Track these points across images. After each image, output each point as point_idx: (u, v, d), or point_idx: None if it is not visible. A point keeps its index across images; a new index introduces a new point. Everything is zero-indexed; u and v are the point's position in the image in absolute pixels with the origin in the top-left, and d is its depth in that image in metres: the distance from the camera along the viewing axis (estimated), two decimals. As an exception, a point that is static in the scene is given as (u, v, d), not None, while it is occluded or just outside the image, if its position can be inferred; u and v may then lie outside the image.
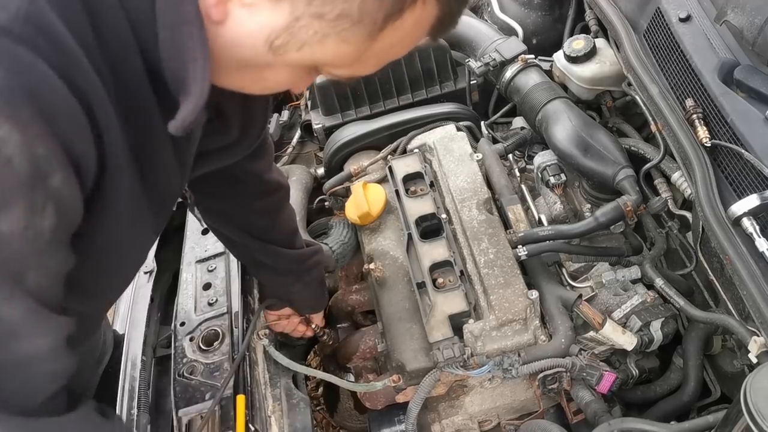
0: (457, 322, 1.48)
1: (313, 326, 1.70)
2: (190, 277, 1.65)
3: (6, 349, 0.73)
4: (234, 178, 1.27)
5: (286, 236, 1.48)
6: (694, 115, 1.43)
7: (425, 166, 1.80)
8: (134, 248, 0.95)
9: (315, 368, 1.80)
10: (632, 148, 1.75)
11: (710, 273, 1.50)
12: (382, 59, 0.80)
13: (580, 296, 1.55)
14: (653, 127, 1.62)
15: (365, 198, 1.80)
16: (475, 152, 1.82)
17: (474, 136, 1.99)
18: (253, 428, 1.40)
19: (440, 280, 1.55)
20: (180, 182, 0.97)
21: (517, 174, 1.89)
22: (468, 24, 2.15)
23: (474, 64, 1.98)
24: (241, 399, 1.41)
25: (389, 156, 1.93)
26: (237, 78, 0.80)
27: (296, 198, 1.97)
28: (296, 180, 2.05)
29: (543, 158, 1.82)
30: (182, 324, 1.57)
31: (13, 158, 0.60)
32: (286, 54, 0.74)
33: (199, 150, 0.99)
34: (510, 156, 1.94)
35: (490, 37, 2.06)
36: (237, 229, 1.42)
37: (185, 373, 1.47)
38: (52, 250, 0.71)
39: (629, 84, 1.72)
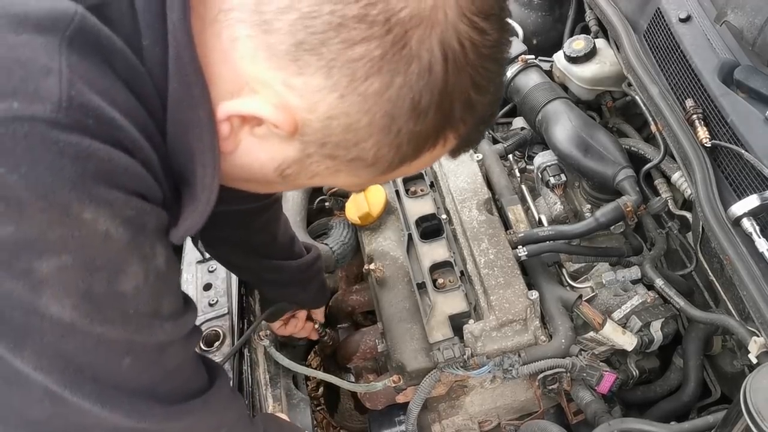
0: (457, 323, 1.48)
1: (316, 326, 1.70)
2: (190, 277, 1.65)
3: (163, 362, 0.75)
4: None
5: (287, 247, 1.48)
6: (694, 116, 1.43)
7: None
8: None
9: (315, 368, 1.80)
10: (632, 148, 1.75)
11: (710, 273, 1.50)
12: (402, 175, 0.81)
13: (580, 296, 1.55)
14: (653, 128, 1.62)
15: (365, 198, 1.80)
16: (475, 152, 1.82)
17: (474, 137, 1.99)
18: (253, 428, 1.40)
19: (440, 281, 1.55)
20: None
21: (518, 174, 1.89)
22: (468, 24, 2.15)
23: (474, 64, 1.98)
24: None
25: (389, 156, 1.93)
26: (245, 185, 0.81)
27: (296, 198, 1.97)
28: (296, 180, 2.04)
29: (543, 158, 1.82)
30: (183, 324, 1.57)
31: (109, 231, 0.61)
32: (297, 180, 0.74)
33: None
34: (510, 156, 1.94)
35: (491, 37, 2.06)
36: (241, 251, 1.41)
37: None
38: (172, 272, 0.73)
39: (629, 84, 1.72)
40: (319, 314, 1.72)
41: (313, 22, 0.59)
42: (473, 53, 0.64)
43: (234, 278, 1.64)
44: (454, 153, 0.78)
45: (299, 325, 1.67)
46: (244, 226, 1.35)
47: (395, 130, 0.66)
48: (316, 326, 1.70)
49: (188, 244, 1.73)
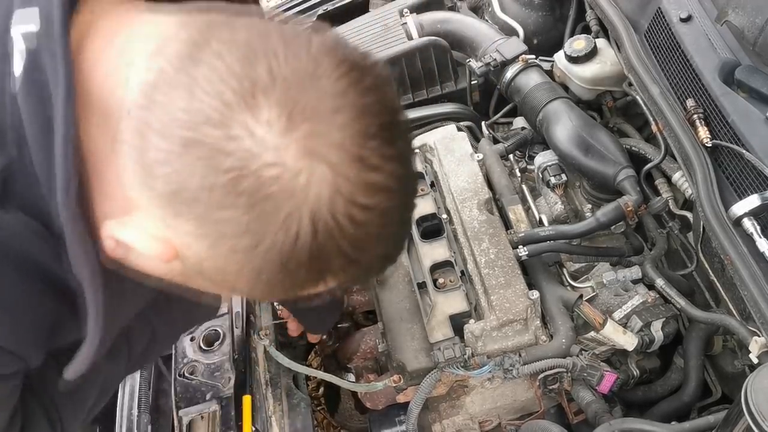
0: (457, 323, 1.48)
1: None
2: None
3: None
4: None
5: None
6: (695, 116, 1.43)
7: (426, 166, 1.80)
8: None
9: (316, 368, 1.80)
10: (633, 148, 1.75)
11: (711, 273, 1.50)
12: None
13: (581, 296, 1.54)
14: (654, 128, 1.62)
15: (366, 198, 1.79)
16: (475, 152, 1.82)
17: (475, 137, 2.00)
18: (253, 428, 1.40)
19: (441, 281, 1.55)
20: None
21: (518, 174, 1.89)
22: (469, 24, 2.15)
23: (475, 64, 1.98)
24: (247, 400, 1.41)
25: (390, 156, 1.93)
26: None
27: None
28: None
29: (544, 158, 1.82)
30: (183, 324, 1.57)
31: None
32: (188, 284, 0.75)
33: None
34: (511, 156, 1.94)
35: (491, 37, 2.06)
36: None
37: (186, 373, 1.47)
38: None
39: (630, 84, 1.72)
40: (313, 337, 1.74)
41: (186, 180, 0.60)
42: (351, 226, 0.64)
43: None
44: (352, 285, 0.80)
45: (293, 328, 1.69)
46: None
47: (265, 279, 0.66)
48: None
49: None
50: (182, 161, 0.60)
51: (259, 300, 0.80)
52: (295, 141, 0.60)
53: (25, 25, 0.64)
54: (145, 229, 0.66)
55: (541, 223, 1.74)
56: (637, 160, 1.71)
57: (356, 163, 0.62)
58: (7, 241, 0.70)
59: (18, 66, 0.64)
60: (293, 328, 1.70)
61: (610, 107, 1.92)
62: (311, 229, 0.62)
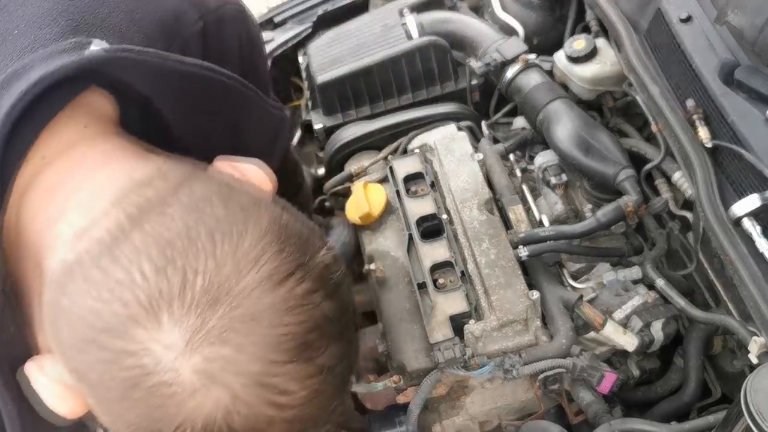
0: (458, 323, 1.48)
1: None
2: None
3: None
4: None
5: None
6: (695, 116, 1.43)
7: (426, 166, 1.80)
8: None
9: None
10: (633, 148, 1.75)
11: (711, 273, 1.50)
12: None
13: (581, 297, 1.55)
14: (654, 128, 1.62)
15: (366, 198, 1.80)
16: (476, 152, 1.82)
17: (475, 137, 1.99)
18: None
19: (441, 281, 1.55)
20: None
21: (518, 174, 1.89)
22: (469, 24, 2.15)
23: (475, 64, 1.98)
24: None
25: (390, 156, 1.93)
26: None
27: (297, 198, 1.97)
28: (297, 180, 2.04)
29: (544, 158, 1.82)
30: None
31: None
32: None
33: None
34: (511, 156, 1.94)
35: (491, 37, 2.06)
36: None
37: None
38: None
39: (630, 84, 1.72)
40: None
41: (86, 373, 0.63)
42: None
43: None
44: None
45: None
46: None
47: None
48: None
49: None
50: (83, 357, 0.61)
51: None
52: (193, 365, 0.58)
53: None
54: (58, 374, 0.67)
55: (541, 223, 1.74)
56: (637, 160, 1.71)
57: (263, 389, 0.60)
58: None
59: None
60: None
61: (610, 107, 1.92)
62: None
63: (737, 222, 1.29)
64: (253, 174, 0.75)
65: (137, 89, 0.74)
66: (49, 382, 0.67)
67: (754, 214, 1.28)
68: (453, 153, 1.82)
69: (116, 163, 0.69)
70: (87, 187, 0.67)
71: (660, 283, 1.53)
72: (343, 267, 0.71)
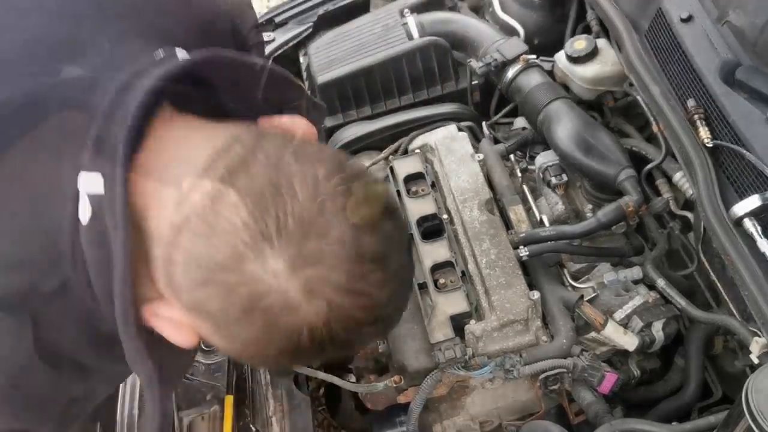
0: (458, 323, 1.48)
1: None
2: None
3: None
4: None
5: None
6: (696, 116, 1.43)
7: (426, 167, 1.80)
8: None
9: (316, 369, 1.80)
10: (634, 148, 1.75)
11: (712, 273, 1.50)
12: None
13: (582, 297, 1.54)
14: (654, 128, 1.62)
15: (366, 198, 1.79)
16: (476, 152, 1.82)
17: (475, 137, 1.99)
18: (254, 429, 1.40)
19: (441, 281, 1.55)
20: None
21: (519, 174, 1.89)
22: (469, 24, 2.15)
23: (475, 64, 1.98)
24: (229, 399, 1.41)
25: (390, 156, 1.93)
26: None
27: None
28: (297, 180, 2.04)
29: (544, 158, 1.82)
30: (183, 324, 1.57)
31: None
32: None
33: None
34: (511, 156, 1.94)
35: (492, 37, 2.06)
36: None
37: (186, 374, 1.47)
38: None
39: (631, 84, 1.72)
40: None
41: (205, 304, 0.74)
42: (345, 333, 0.76)
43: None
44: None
45: None
46: None
47: (273, 358, 0.83)
48: None
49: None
50: (201, 292, 0.73)
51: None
52: (296, 283, 0.71)
53: (90, 185, 0.75)
54: (170, 313, 0.79)
55: (541, 223, 1.73)
56: (637, 161, 1.71)
57: (351, 295, 0.74)
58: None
59: (84, 216, 0.74)
60: None
61: (611, 107, 1.92)
62: (309, 337, 0.73)
63: (738, 222, 1.29)
64: (300, 125, 0.89)
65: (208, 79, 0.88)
66: (165, 321, 0.80)
67: (755, 214, 1.27)
68: (454, 153, 1.82)
69: (198, 137, 0.81)
70: (180, 158, 0.79)
71: (661, 283, 1.53)
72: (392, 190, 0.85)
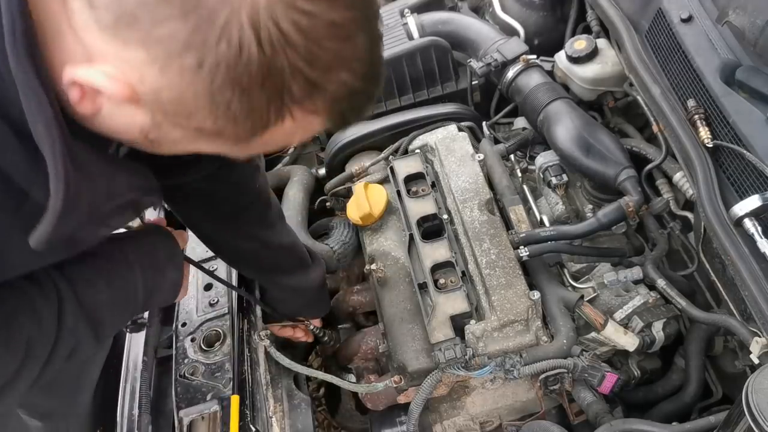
0: (458, 323, 1.48)
1: (311, 327, 1.70)
2: (191, 277, 1.65)
3: None
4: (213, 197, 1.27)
5: (288, 260, 1.51)
6: (696, 116, 1.43)
7: (427, 167, 1.80)
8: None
9: (316, 369, 1.80)
10: (634, 148, 1.75)
11: (712, 274, 1.50)
12: (274, 147, 0.81)
13: (582, 297, 1.55)
14: (655, 128, 1.62)
15: (367, 198, 1.80)
16: (476, 153, 1.82)
17: (476, 137, 1.99)
18: (254, 429, 1.40)
19: (442, 281, 1.55)
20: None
21: (519, 174, 1.89)
22: (469, 24, 2.15)
23: (475, 64, 1.98)
24: (235, 399, 1.41)
25: (391, 156, 1.93)
26: (144, 147, 0.81)
27: (297, 198, 1.97)
28: (297, 180, 2.05)
29: (545, 159, 1.82)
30: (183, 324, 1.57)
31: None
32: (163, 146, 0.75)
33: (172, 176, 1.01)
34: (512, 156, 1.94)
35: (492, 37, 2.06)
36: (245, 265, 1.47)
37: (186, 374, 1.47)
38: None
39: (631, 84, 1.72)
40: (315, 320, 1.73)
41: (123, 2, 0.63)
42: (298, 35, 0.64)
43: (235, 278, 1.64)
44: (334, 127, 0.79)
45: (288, 332, 1.69)
46: (227, 225, 1.35)
47: (223, 104, 0.67)
48: (311, 328, 1.70)
49: (189, 245, 1.73)
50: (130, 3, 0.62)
51: (236, 154, 0.80)
52: None
53: None
54: (102, 70, 0.66)
55: (542, 223, 1.74)
56: (638, 161, 1.71)
57: None
58: None
59: None
60: (299, 335, 1.71)
61: (611, 107, 1.92)
62: (254, 36, 0.62)
63: (738, 222, 1.29)
64: None
65: None
66: (94, 72, 0.67)
67: (755, 214, 1.27)
68: (454, 153, 1.82)
69: None
70: None
71: (661, 283, 1.53)
72: None
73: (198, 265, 1.40)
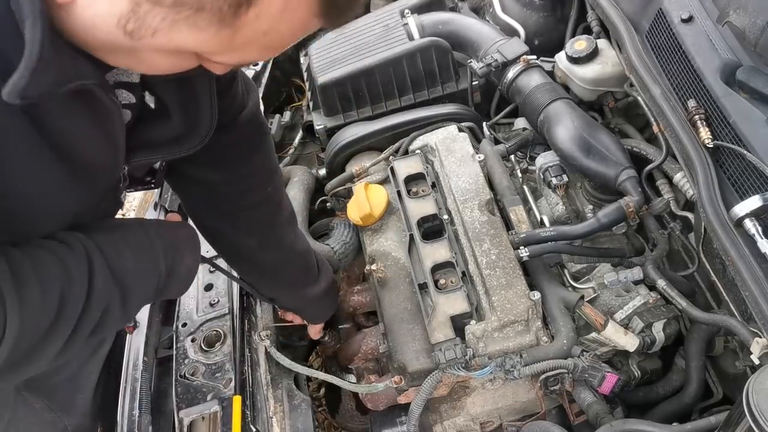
0: (458, 323, 1.48)
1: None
2: (192, 278, 1.65)
3: None
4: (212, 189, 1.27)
5: (293, 269, 1.51)
6: (696, 116, 1.43)
7: (427, 167, 1.80)
8: (37, 207, 0.90)
9: (317, 369, 1.80)
10: (634, 149, 1.75)
11: (712, 274, 1.50)
12: (265, 46, 0.78)
13: (582, 297, 1.54)
14: (655, 128, 1.62)
15: (367, 199, 1.80)
16: (477, 153, 1.82)
17: (476, 137, 2.00)
18: (254, 429, 1.40)
19: (442, 281, 1.55)
20: (106, 153, 0.95)
21: (519, 175, 1.89)
22: (470, 25, 2.15)
23: (476, 64, 1.98)
24: (237, 400, 1.41)
25: (391, 157, 1.93)
26: (118, 59, 0.79)
27: (298, 199, 1.97)
28: (298, 181, 2.05)
29: (545, 159, 1.82)
30: (184, 325, 1.57)
31: None
32: (143, 40, 0.72)
33: (145, 138, 0.99)
34: (512, 157, 1.94)
35: (492, 37, 2.06)
36: (253, 270, 1.47)
37: (187, 374, 1.47)
38: None
39: (631, 85, 1.72)
40: (312, 331, 1.74)
41: None
42: None
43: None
44: (325, 16, 0.75)
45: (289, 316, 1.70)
46: (239, 225, 1.35)
47: None
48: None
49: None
50: None
51: (220, 45, 0.75)
52: None
53: None
54: None
55: (542, 223, 1.73)
56: (638, 161, 1.71)
57: None
58: None
59: None
60: (298, 320, 1.71)
61: (612, 108, 1.92)
62: None
63: (739, 222, 1.29)
64: None
65: None
66: None
67: (756, 215, 1.27)
68: (454, 154, 1.82)
69: None
70: None
71: (661, 283, 1.53)
72: None
73: (210, 261, 1.41)
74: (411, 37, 2.13)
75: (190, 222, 1.32)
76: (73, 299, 0.87)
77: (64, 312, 0.85)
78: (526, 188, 1.85)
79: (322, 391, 2.20)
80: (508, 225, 1.69)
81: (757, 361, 1.30)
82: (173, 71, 0.82)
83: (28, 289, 0.81)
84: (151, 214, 1.82)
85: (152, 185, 1.19)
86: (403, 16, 2.21)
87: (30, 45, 0.68)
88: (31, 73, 0.69)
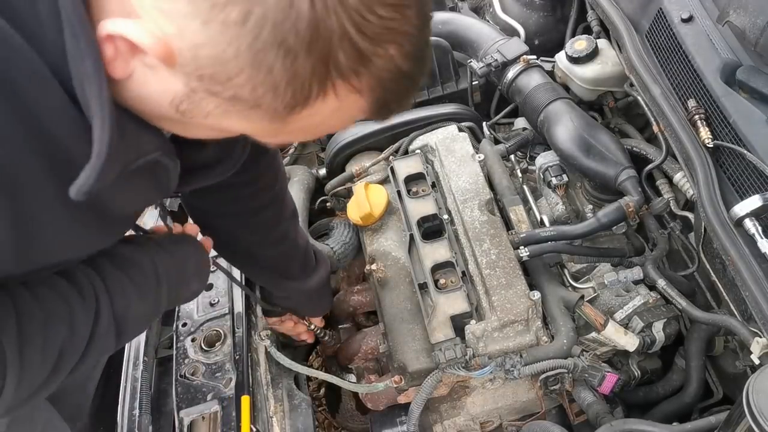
0: (458, 323, 1.48)
1: (312, 327, 1.70)
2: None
3: None
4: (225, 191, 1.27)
5: (293, 262, 1.50)
6: (696, 116, 1.43)
7: (427, 167, 1.80)
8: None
9: (317, 369, 1.80)
10: (634, 148, 1.75)
11: (712, 274, 1.50)
12: (312, 134, 0.79)
13: (582, 297, 1.54)
14: (655, 128, 1.62)
15: (367, 199, 1.80)
16: (477, 153, 1.82)
17: (476, 137, 1.99)
18: (255, 429, 1.40)
19: (442, 281, 1.55)
20: (152, 202, 0.98)
21: (519, 175, 1.89)
22: (470, 25, 2.15)
23: (476, 64, 1.98)
24: (246, 400, 1.41)
25: (391, 157, 1.93)
26: (164, 124, 0.79)
27: (298, 199, 1.97)
28: (298, 181, 2.04)
29: (545, 159, 1.82)
30: (184, 324, 1.57)
31: None
32: (194, 119, 0.73)
33: (183, 169, 0.99)
34: (512, 157, 1.94)
35: (492, 37, 2.06)
36: (251, 265, 1.46)
37: (187, 374, 1.47)
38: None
39: (631, 84, 1.72)
40: (316, 320, 1.73)
41: None
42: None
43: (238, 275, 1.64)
44: (375, 114, 0.76)
45: (290, 326, 1.68)
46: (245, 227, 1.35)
47: (265, 67, 0.64)
48: (311, 327, 1.70)
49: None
50: None
51: (268, 135, 0.77)
52: None
53: None
54: (141, 24, 0.64)
55: (542, 223, 1.73)
56: (638, 161, 1.71)
57: None
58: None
59: None
60: (300, 330, 1.70)
61: (612, 108, 1.92)
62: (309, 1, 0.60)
63: (739, 222, 1.29)
64: None
65: None
66: (132, 25, 0.65)
67: (756, 215, 1.28)
68: (454, 153, 1.82)
69: None
70: None
71: (661, 283, 1.53)
72: None
73: (224, 270, 1.44)
74: (411, 37, 2.13)
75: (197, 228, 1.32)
76: (73, 350, 0.89)
77: (62, 361, 0.87)
78: (526, 188, 1.85)
79: (322, 390, 2.20)
80: (508, 225, 1.69)
81: (757, 361, 1.30)
82: (218, 138, 0.84)
83: (31, 348, 0.81)
84: (151, 214, 1.82)
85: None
86: (403, 16, 2.21)
87: (98, 145, 0.69)
88: (99, 172, 0.69)
